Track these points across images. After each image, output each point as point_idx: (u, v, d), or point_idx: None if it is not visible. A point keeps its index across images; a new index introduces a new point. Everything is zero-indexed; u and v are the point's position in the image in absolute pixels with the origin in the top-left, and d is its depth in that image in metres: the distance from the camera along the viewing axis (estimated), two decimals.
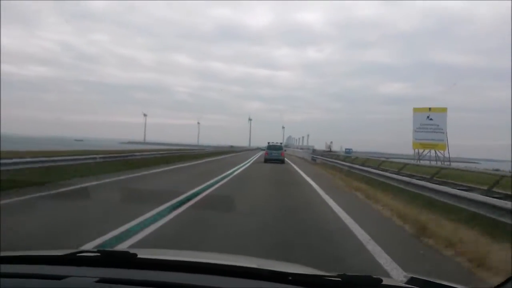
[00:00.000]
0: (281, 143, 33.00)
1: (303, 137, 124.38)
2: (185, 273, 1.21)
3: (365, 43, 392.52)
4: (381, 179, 13.05)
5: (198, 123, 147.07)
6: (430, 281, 1.15)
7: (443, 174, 17.53)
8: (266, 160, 29.86)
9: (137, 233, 5.22)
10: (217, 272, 1.22)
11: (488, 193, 10.34)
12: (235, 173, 17.07)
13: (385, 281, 1.16)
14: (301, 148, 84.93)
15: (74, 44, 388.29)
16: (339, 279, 1.17)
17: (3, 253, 1.38)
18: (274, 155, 29.96)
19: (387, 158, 38.18)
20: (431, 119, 41.00)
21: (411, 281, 1.16)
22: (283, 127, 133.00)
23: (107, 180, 11.66)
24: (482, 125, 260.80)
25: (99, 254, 1.29)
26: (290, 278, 1.22)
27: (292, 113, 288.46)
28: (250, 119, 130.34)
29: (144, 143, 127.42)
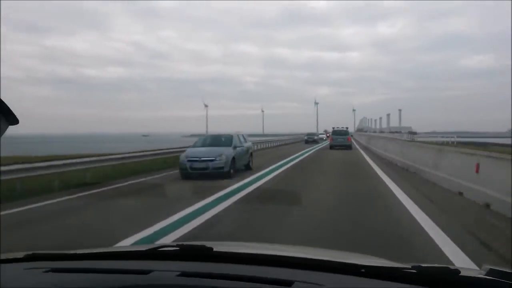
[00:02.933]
0: (347, 128, 32.15)
1: (380, 118, 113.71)
2: (258, 266, 1.27)
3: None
4: None
5: (262, 111, 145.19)
6: (509, 272, 1.11)
7: None
8: (332, 147, 29.14)
9: None
10: (290, 265, 1.27)
11: None
12: None
13: (463, 272, 1.14)
14: (392, 132, 74.92)
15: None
16: (414, 271, 1.18)
17: (88, 250, 1.53)
18: (340, 141, 29.20)
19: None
20: None
21: (490, 272, 1.13)
22: (353, 110, 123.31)
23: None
24: None
25: (178, 248, 1.41)
26: (363, 270, 1.24)
27: (363, 95, 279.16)
28: (316, 103, 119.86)
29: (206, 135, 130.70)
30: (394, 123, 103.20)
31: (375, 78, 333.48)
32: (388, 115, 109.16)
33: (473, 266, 3.88)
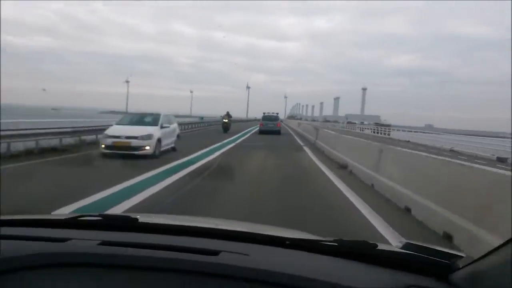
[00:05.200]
0: (277, 114, 32.21)
1: (313, 106, 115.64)
2: (185, 236, 1.29)
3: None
4: None
5: (191, 92, 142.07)
6: (425, 246, 1.23)
7: None
8: (261, 132, 29.25)
9: None
10: (217, 237, 1.31)
11: None
12: None
13: (380, 246, 1.25)
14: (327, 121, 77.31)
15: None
16: (336, 243, 1.27)
17: (3, 217, 1.44)
18: (270, 126, 29.43)
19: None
20: None
21: (406, 246, 1.24)
22: (285, 97, 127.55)
23: None
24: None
25: (100, 218, 1.36)
26: (287, 242, 1.31)
27: (297, 85, 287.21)
28: (248, 87, 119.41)
29: (126, 113, 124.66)
30: (328, 112, 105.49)
31: (310, 69, 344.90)
32: (321, 103, 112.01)
33: None
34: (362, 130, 50.15)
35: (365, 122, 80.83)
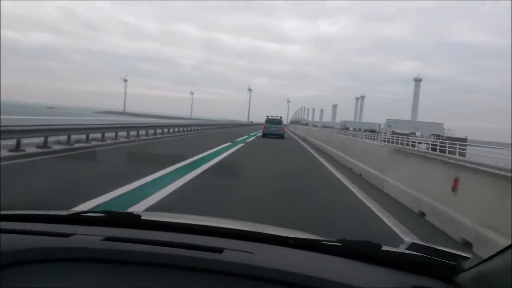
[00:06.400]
0: (281, 117, 31.97)
1: (322, 110, 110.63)
2: (188, 234, 1.29)
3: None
4: None
5: (192, 93, 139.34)
6: (430, 246, 1.23)
7: None
8: (265, 135, 29.10)
9: None
10: (221, 235, 1.31)
11: None
12: None
13: (385, 247, 1.24)
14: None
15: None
16: (339, 244, 1.27)
17: (4, 212, 1.44)
18: (273, 129, 29.30)
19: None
20: None
21: (411, 247, 1.24)
22: (288, 101, 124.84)
23: None
24: None
25: (103, 214, 1.37)
26: (290, 241, 1.32)
27: (298, 89, 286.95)
28: (249, 89, 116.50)
29: (124, 113, 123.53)
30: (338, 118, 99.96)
31: (311, 74, 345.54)
32: (335, 106, 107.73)
33: None
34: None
35: (418, 133, 56.42)
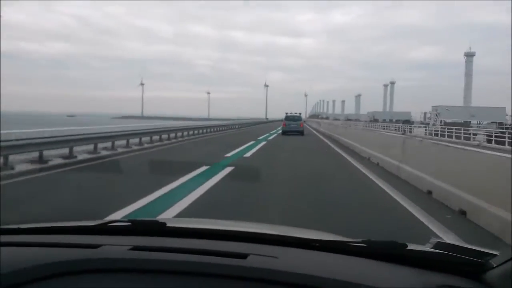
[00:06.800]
0: (300, 114, 31.76)
1: (343, 101, 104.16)
2: (213, 240, 1.31)
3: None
4: None
5: (208, 93, 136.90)
6: (457, 245, 1.22)
7: None
8: (284, 132, 28.79)
9: None
10: (245, 240, 1.32)
11: None
12: None
13: (410, 246, 1.23)
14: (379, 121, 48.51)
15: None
16: (364, 245, 1.27)
17: (32, 225, 1.48)
18: (293, 126, 29.01)
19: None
20: None
21: (437, 245, 1.22)
22: (305, 95, 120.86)
23: None
24: None
25: (129, 223, 1.40)
26: (316, 244, 1.32)
27: (315, 82, 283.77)
28: (266, 85, 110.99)
29: (142, 117, 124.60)
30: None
31: (327, 66, 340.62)
32: (359, 96, 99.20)
33: None
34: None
35: (474, 122, 43.92)
